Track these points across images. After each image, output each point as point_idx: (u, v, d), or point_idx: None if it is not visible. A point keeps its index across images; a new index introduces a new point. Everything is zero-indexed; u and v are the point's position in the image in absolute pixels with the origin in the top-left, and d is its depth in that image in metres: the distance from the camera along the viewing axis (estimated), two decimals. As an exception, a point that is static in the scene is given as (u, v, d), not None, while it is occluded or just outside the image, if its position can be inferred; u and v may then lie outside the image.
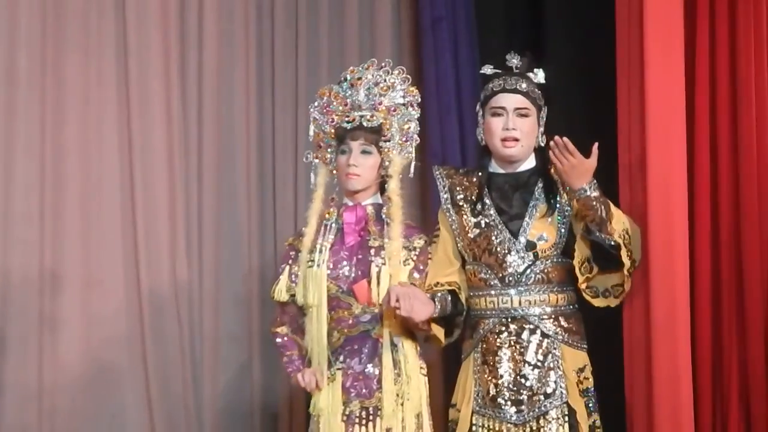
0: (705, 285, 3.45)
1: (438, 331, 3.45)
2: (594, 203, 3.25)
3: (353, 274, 3.45)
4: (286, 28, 4.62)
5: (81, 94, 4.26)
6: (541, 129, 3.46)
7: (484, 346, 3.40)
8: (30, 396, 4.08)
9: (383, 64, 3.53)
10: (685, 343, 3.33)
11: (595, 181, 3.27)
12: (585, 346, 3.43)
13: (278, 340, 3.56)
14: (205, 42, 4.47)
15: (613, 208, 3.30)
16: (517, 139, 3.38)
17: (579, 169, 3.23)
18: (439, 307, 3.38)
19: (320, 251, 3.45)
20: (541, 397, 3.33)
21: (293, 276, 3.51)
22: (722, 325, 3.44)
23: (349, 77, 3.53)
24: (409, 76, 3.52)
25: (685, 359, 3.33)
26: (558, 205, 3.39)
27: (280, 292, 3.52)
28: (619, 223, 3.30)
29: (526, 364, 3.34)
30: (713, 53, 3.47)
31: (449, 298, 3.43)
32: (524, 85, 3.42)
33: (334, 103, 3.51)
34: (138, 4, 4.35)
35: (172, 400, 4.29)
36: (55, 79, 4.21)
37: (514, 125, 3.38)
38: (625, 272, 3.36)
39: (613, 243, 3.29)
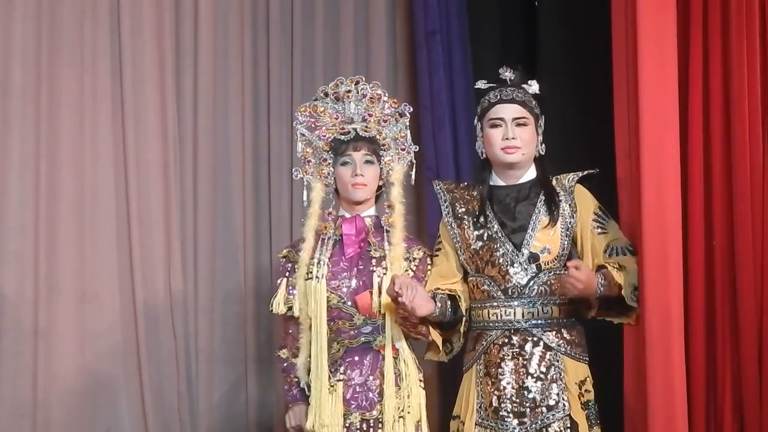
0: (699, 295, 3.44)
1: (437, 337, 3.45)
2: (605, 292, 3.31)
3: (354, 285, 3.44)
4: (282, 40, 4.62)
5: (76, 106, 4.24)
6: (540, 138, 3.48)
7: (487, 357, 3.39)
8: (24, 409, 4.04)
9: (357, 79, 3.55)
10: (680, 354, 3.32)
11: (599, 279, 3.30)
12: (586, 358, 3.43)
13: (281, 364, 3.60)
14: (200, 54, 4.46)
15: (615, 275, 3.30)
16: (518, 147, 3.40)
17: (587, 282, 3.26)
18: (439, 306, 3.37)
19: (319, 264, 3.46)
20: (544, 410, 3.33)
21: (290, 288, 3.52)
22: (716, 335, 3.45)
23: (330, 92, 3.54)
24: (385, 90, 3.56)
25: (679, 370, 3.32)
26: (560, 217, 3.40)
27: (278, 305, 3.53)
28: (628, 287, 3.32)
29: (529, 376, 3.34)
30: (706, 66, 3.48)
31: (449, 303, 3.43)
32: (521, 95, 3.43)
33: (323, 118, 3.52)
34: (133, 16, 4.33)
35: (167, 413, 4.27)
36: (50, 91, 4.19)
37: (513, 134, 3.39)
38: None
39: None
